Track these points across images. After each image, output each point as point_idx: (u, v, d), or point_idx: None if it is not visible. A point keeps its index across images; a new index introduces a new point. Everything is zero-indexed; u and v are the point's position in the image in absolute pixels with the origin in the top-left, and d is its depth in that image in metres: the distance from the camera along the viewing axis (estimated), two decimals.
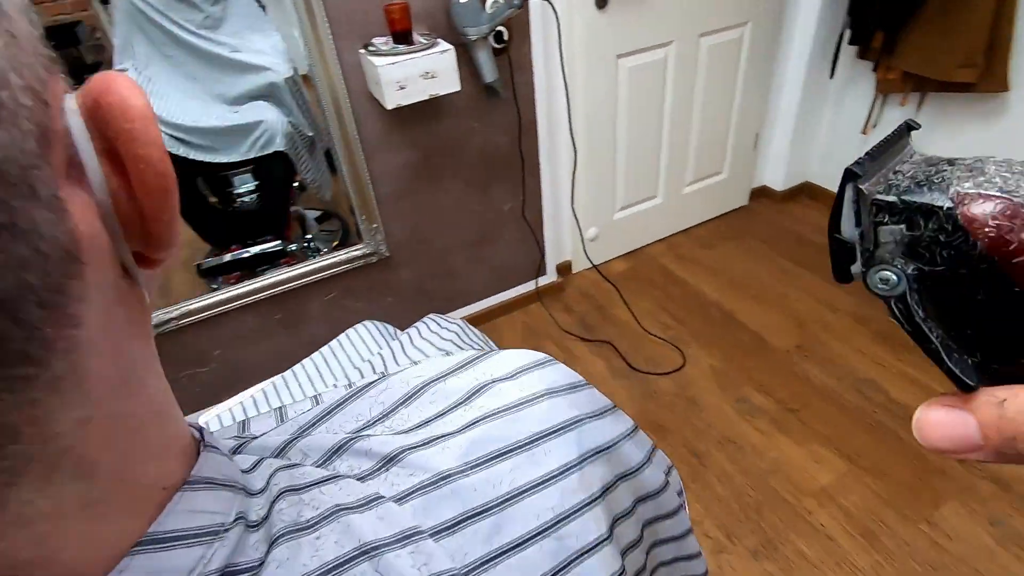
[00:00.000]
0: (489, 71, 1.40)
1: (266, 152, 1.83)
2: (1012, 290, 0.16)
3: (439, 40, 1.30)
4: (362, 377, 0.77)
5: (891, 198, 0.18)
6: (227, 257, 1.86)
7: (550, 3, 1.37)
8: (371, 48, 1.28)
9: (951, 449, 0.17)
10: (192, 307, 1.48)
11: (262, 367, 1.64)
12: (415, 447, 0.27)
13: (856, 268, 0.19)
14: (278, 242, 1.83)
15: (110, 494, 0.17)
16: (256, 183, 1.97)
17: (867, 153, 0.19)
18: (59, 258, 0.14)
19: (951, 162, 0.18)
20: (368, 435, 0.28)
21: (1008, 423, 0.16)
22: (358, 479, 0.25)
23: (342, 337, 0.94)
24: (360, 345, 0.95)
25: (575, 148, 1.61)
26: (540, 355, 0.33)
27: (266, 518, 0.22)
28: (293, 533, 0.22)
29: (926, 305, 0.18)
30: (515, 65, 1.49)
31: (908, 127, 0.20)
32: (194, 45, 1.83)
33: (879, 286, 0.18)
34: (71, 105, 0.15)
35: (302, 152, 1.87)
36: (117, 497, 0.17)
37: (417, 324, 0.87)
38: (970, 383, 0.17)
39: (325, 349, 0.94)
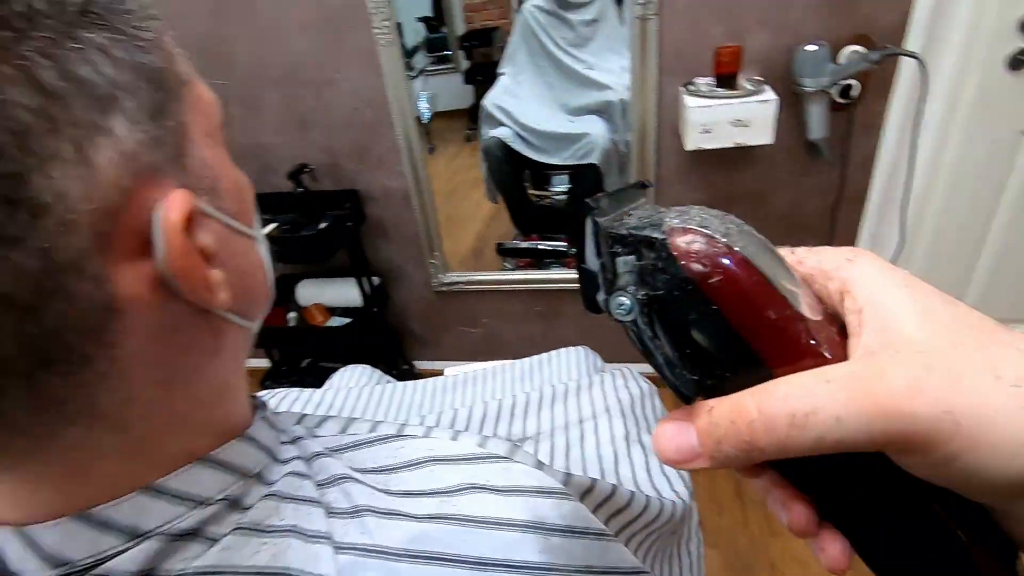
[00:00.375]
0: (818, 127, 1.24)
1: (583, 162, 2.00)
2: (711, 308, 0.18)
3: (765, 87, 1.21)
4: (553, 394, 0.82)
5: (622, 231, 0.20)
6: (524, 244, 2.13)
7: (920, 61, 1.12)
8: (691, 87, 1.27)
9: (679, 459, 0.19)
10: (478, 278, 1.76)
11: (511, 346, 1.84)
12: (378, 512, 0.29)
13: (601, 297, 0.21)
14: (565, 244, 2.00)
15: (138, 450, 0.26)
16: (569, 186, 2.17)
17: (604, 193, 0.22)
18: (96, 308, 0.21)
19: (668, 208, 0.21)
20: (361, 481, 0.31)
21: (715, 428, 0.18)
22: (329, 513, 0.29)
23: (554, 354, 1.00)
24: (564, 367, 0.99)
25: (903, 235, 1.30)
26: (556, 485, 0.31)
27: (250, 508, 0.28)
28: (251, 530, 0.27)
29: (655, 327, 0.20)
30: (859, 125, 1.28)
31: (642, 184, 0.24)
32: (559, 59, 2.08)
33: (617, 311, 0.20)
34: (158, 215, 0.22)
35: (613, 168, 1.98)
36: (143, 453, 0.26)
37: (613, 371, 0.87)
38: (688, 394, 0.20)
39: (535, 359, 1.02)
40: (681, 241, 0.19)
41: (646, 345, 0.20)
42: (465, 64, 2.53)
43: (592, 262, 0.22)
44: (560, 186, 2.20)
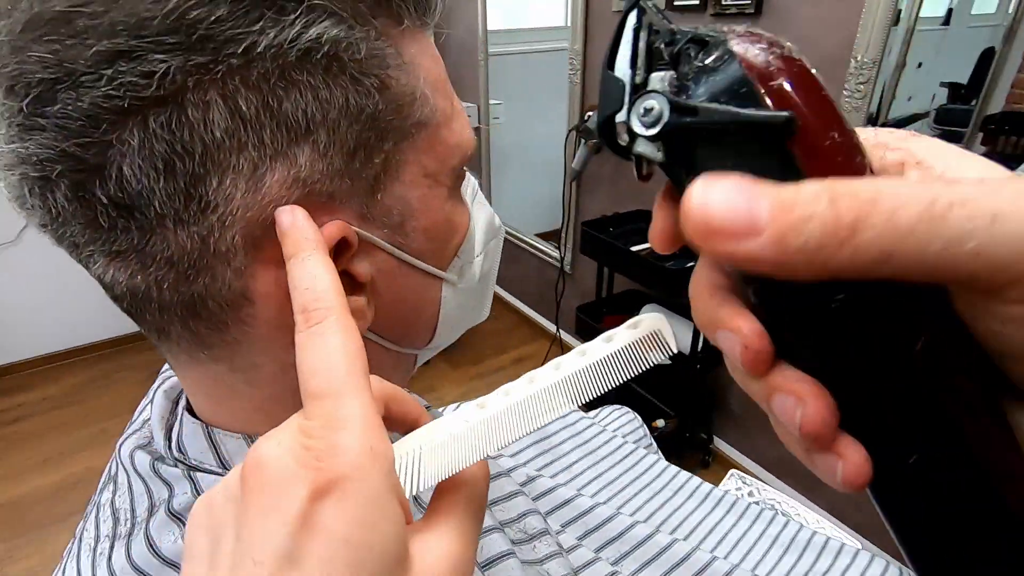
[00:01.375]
0: None
1: None
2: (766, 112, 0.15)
3: None
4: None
5: (670, 26, 0.17)
6: None
7: None
8: None
9: (724, 229, 0.13)
10: None
11: (822, 487, 1.47)
12: None
13: (622, 117, 0.17)
14: None
15: (260, 407, 0.30)
16: None
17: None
18: (234, 292, 0.25)
19: None
20: None
21: (805, 200, 0.13)
22: None
23: (849, 552, 0.74)
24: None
25: None
26: None
27: None
28: None
29: (690, 149, 0.16)
30: None
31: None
32: None
33: (641, 121, 0.16)
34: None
35: None
36: (263, 411, 0.30)
37: None
38: None
39: (833, 546, 0.75)
40: (745, 41, 0.16)
41: (695, 161, 0.16)
42: (979, 149, 2.00)
43: (623, 69, 0.17)
44: None
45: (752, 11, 1.29)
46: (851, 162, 0.15)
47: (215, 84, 0.22)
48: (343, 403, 0.19)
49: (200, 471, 0.30)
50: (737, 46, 0.15)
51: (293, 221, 0.24)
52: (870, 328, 0.15)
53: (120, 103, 0.21)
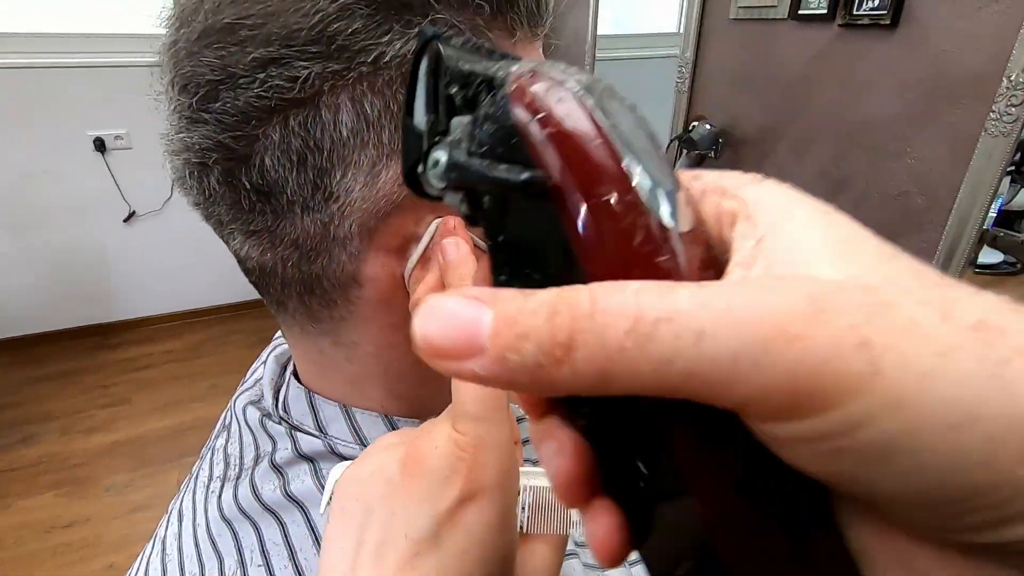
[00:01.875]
0: None
1: None
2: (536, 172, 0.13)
3: None
4: None
5: (465, 67, 0.16)
6: None
7: None
8: None
9: (445, 350, 0.12)
10: None
11: None
12: None
13: (420, 169, 0.16)
14: None
15: (356, 379, 0.33)
16: None
17: (463, 35, 0.18)
18: (346, 274, 0.28)
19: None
20: None
21: (526, 316, 0.12)
22: None
23: None
24: None
25: None
26: None
27: None
28: None
29: (479, 207, 0.15)
30: None
31: (503, 55, 0.16)
32: None
33: (431, 173, 0.16)
34: (429, 231, 0.27)
35: None
36: (357, 383, 0.33)
37: None
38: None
39: None
40: (522, 83, 0.14)
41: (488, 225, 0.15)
42: None
43: (420, 116, 0.16)
44: None
45: (888, 22, 1.19)
46: (619, 224, 0.13)
47: (346, 89, 0.24)
48: (491, 429, 0.22)
49: (300, 431, 0.34)
50: (512, 89, 0.14)
51: (457, 255, 0.26)
52: (620, 440, 0.14)
53: (268, 103, 0.24)
